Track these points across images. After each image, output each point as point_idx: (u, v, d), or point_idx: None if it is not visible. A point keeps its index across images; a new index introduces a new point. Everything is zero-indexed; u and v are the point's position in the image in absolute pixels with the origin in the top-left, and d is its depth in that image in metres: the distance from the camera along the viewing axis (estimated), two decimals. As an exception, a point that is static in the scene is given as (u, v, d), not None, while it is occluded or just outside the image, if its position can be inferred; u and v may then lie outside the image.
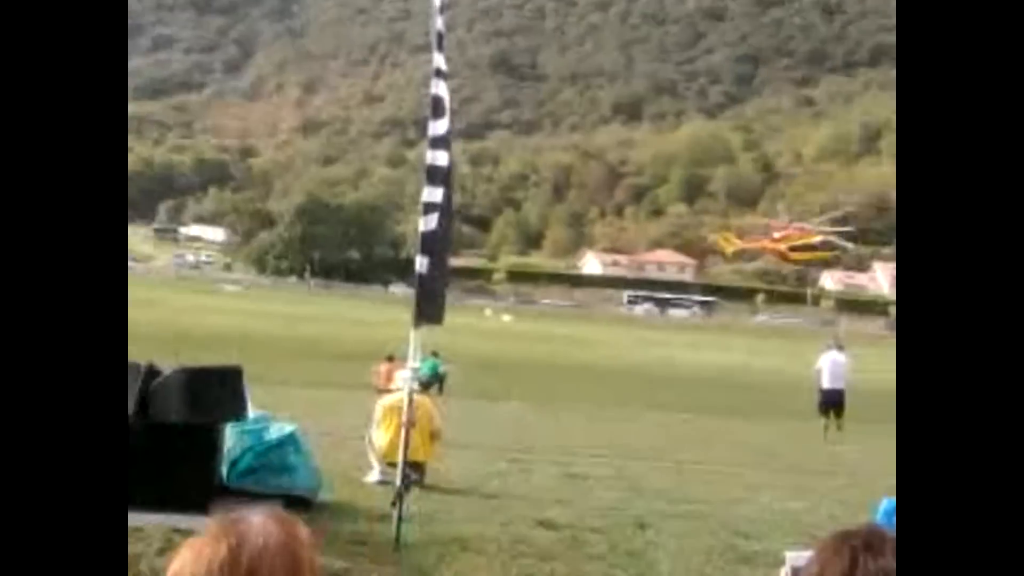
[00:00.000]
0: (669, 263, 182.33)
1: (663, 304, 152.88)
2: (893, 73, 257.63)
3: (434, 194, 9.58)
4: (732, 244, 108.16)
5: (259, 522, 1.98)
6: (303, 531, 2.02)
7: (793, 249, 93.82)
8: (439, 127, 9.69)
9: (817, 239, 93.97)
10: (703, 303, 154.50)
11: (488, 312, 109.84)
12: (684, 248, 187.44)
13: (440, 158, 9.72)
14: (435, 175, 9.66)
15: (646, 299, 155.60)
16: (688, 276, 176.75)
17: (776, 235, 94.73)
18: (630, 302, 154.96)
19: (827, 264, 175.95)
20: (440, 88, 9.67)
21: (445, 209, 9.67)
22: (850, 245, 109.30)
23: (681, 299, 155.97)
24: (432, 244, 9.62)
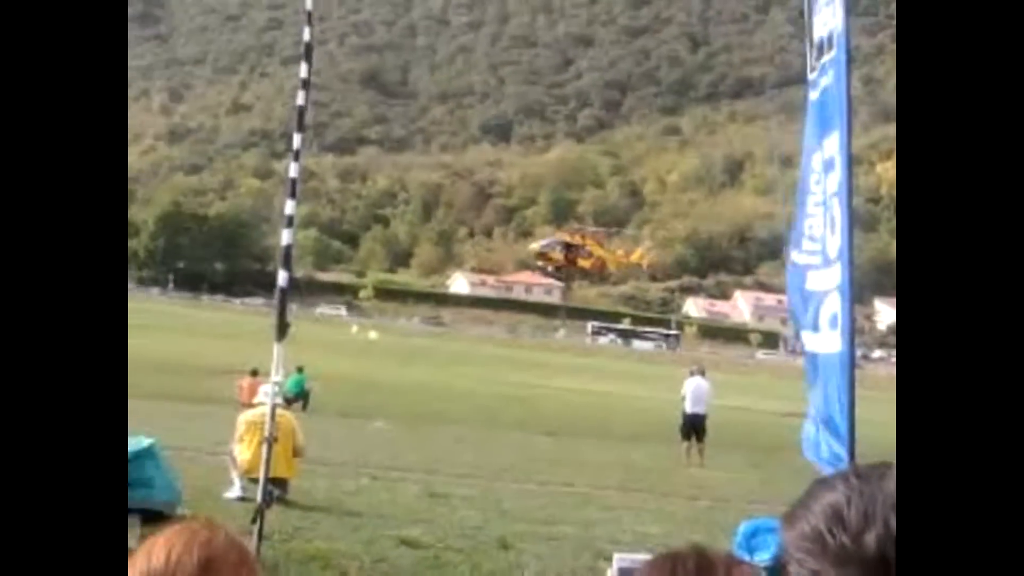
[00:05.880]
0: (536, 284, 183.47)
1: (627, 336, 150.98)
2: (756, 105, 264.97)
3: (296, 207, 9.41)
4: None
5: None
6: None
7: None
8: (303, 140, 9.52)
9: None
10: (667, 336, 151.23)
11: (355, 329, 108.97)
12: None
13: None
14: (297, 188, 9.48)
15: (609, 330, 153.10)
16: (555, 298, 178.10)
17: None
18: (594, 333, 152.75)
19: (689, 291, 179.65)
20: (305, 100, 9.48)
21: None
22: None
23: (646, 332, 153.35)
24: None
